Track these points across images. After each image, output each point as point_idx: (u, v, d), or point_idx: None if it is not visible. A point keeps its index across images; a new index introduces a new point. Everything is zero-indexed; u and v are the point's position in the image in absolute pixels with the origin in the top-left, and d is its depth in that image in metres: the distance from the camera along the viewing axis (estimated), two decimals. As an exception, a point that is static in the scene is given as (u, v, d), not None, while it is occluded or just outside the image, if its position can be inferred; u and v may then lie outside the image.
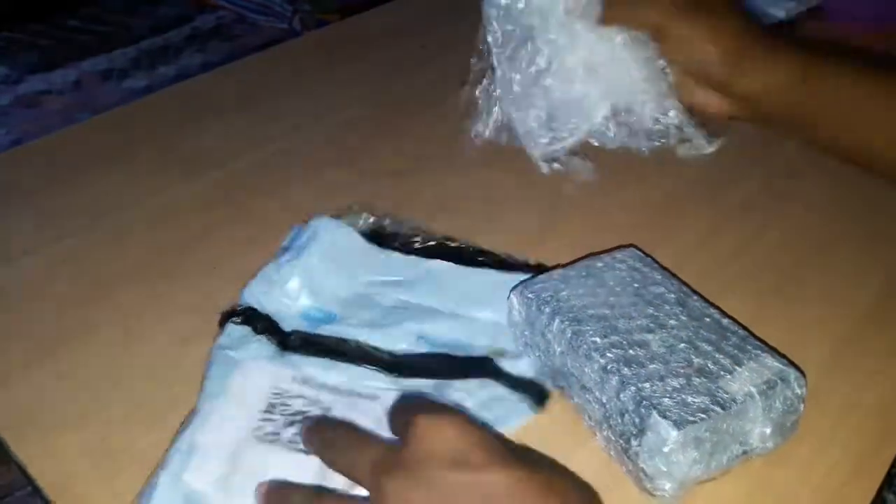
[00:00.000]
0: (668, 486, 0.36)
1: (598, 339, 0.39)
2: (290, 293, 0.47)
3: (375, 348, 0.45)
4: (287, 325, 0.46)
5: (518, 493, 0.28)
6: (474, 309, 0.48)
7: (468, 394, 0.43)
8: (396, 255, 0.52)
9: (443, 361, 0.45)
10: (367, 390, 0.43)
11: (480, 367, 0.44)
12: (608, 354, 0.38)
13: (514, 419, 0.42)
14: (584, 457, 0.40)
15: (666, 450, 0.34)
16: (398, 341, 0.46)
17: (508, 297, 0.44)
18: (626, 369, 0.37)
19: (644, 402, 0.36)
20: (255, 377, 0.42)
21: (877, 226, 0.57)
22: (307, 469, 0.36)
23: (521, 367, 0.45)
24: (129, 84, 0.83)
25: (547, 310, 0.42)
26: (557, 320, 0.41)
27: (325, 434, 0.35)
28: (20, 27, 1.82)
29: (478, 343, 0.46)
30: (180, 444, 0.39)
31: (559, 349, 0.41)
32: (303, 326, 0.46)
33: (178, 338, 0.49)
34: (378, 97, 0.74)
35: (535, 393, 0.43)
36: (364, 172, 0.64)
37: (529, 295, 0.43)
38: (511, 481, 0.28)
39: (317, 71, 0.78)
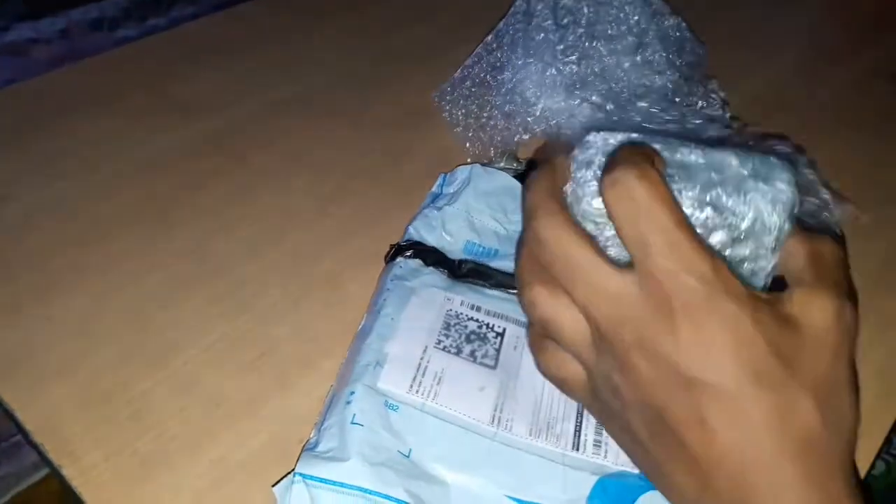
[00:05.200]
0: None
1: None
2: (451, 231, 0.48)
3: None
4: (453, 257, 0.47)
5: None
6: None
7: None
8: None
9: None
10: None
11: None
12: None
13: None
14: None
15: None
16: None
17: None
18: None
19: None
20: (430, 299, 0.44)
21: None
22: (490, 381, 0.40)
23: None
24: (119, 34, 0.80)
25: None
26: None
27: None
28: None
29: None
30: (366, 358, 0.40)
31: None
32: (467, 258, 0.48)
33: (172, 283, 0.48)
34: (377, 48, 0.72)
35: None
36: (361, 123, 0.62)
37: None
38: None
39: (316, 20, 0.76)
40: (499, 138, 0.57)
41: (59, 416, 0.41)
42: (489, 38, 0.61)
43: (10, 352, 0.44)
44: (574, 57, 0.58)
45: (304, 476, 0.35)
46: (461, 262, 0.47)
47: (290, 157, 0.58)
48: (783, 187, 0.29)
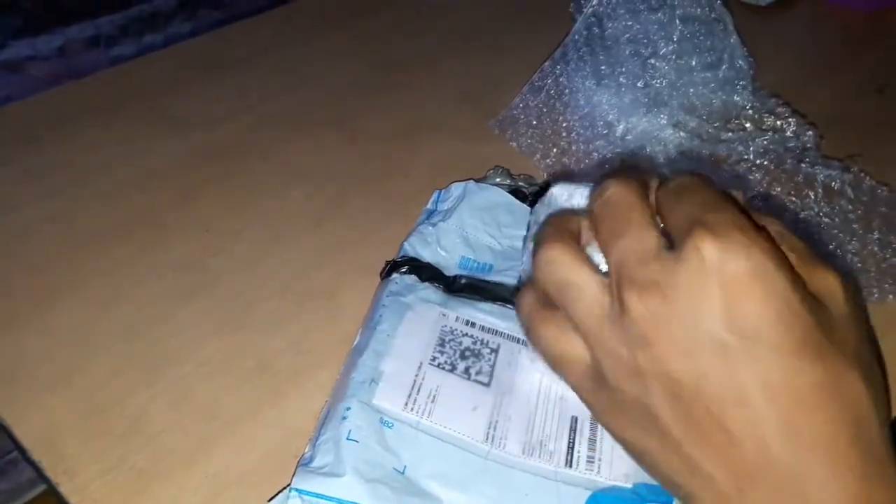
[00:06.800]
0: None
1: None
2: (446, 247, 0.49)
3: None
4: (448, 273, 0.47)
5: None
6: None
7: None
8: None
9: None
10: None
11: None
12: None
13: None
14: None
15: None
16: None
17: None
18: None
19: None
20: (425, 315, 0.44)
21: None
22: (483, 399, 0.40)
23: None
24: (116, 52, 0.81)
25: None
26: None
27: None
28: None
29: None
30: (362, 375, 0.40)
31: None
32: (462, 273, 0.48)
33: (168, 295, 0.48)
34: (375, 59, 0.73)
35: None
36: (359, 134, 0.62)
37: None
38: None
39: (312, 33, 0.76)
40: (574, 160, 0.58)
41: (56, 431, 0.41)
42: (546, 64, 0.61)
43: (6, 365, 0.44)
44: (647, 78, 0.59)
45: (299, 491, 0.35)
46: (456, 277, 0.47)
47: (287, 169, 0.58)
48: None
